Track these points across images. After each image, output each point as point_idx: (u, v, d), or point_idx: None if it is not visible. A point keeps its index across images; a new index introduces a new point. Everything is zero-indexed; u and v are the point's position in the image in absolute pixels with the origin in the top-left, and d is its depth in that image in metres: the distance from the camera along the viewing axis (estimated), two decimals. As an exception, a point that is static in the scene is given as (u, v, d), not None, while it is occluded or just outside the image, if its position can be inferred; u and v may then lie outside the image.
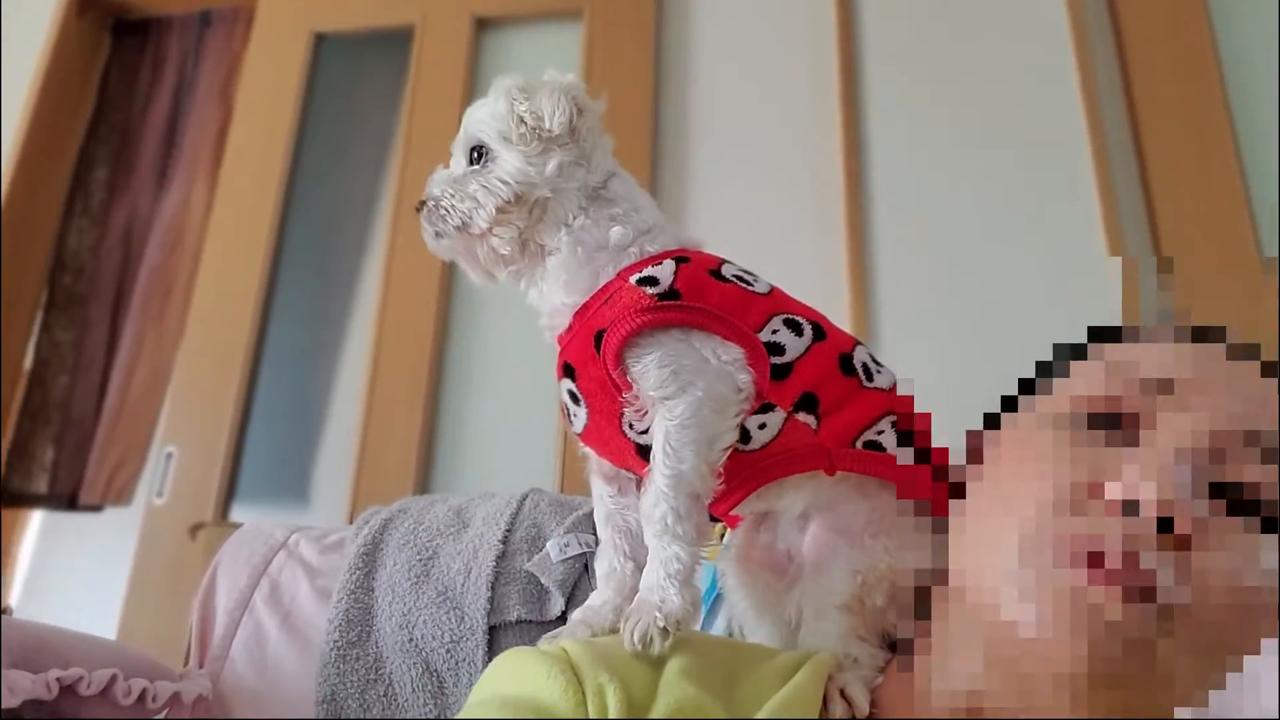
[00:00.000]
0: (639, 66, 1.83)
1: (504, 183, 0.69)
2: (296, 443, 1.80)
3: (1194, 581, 0.46)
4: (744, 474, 0.65)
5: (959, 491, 0.55)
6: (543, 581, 1.14)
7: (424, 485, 1.67)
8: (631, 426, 0.64)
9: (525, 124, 0.70)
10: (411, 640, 1.11)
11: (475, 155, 0.72)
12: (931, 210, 1.66)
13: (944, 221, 1.64)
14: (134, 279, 2.14)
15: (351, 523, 1.57)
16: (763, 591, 0.70)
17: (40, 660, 0.92)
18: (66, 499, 1.92)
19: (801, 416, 0.64)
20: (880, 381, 0.66)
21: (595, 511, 0.72)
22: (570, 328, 0.67)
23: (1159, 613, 0.45)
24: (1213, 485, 0.48)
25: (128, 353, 2.04)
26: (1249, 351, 0.54)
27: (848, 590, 0.61)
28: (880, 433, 0.64)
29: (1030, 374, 0.57)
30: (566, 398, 0.69)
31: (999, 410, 0.57)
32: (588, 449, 0.71)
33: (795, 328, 0.65)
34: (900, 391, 0.66)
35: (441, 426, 1.72)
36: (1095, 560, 0.46)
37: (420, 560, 1.18)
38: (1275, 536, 0.48)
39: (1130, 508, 0.47)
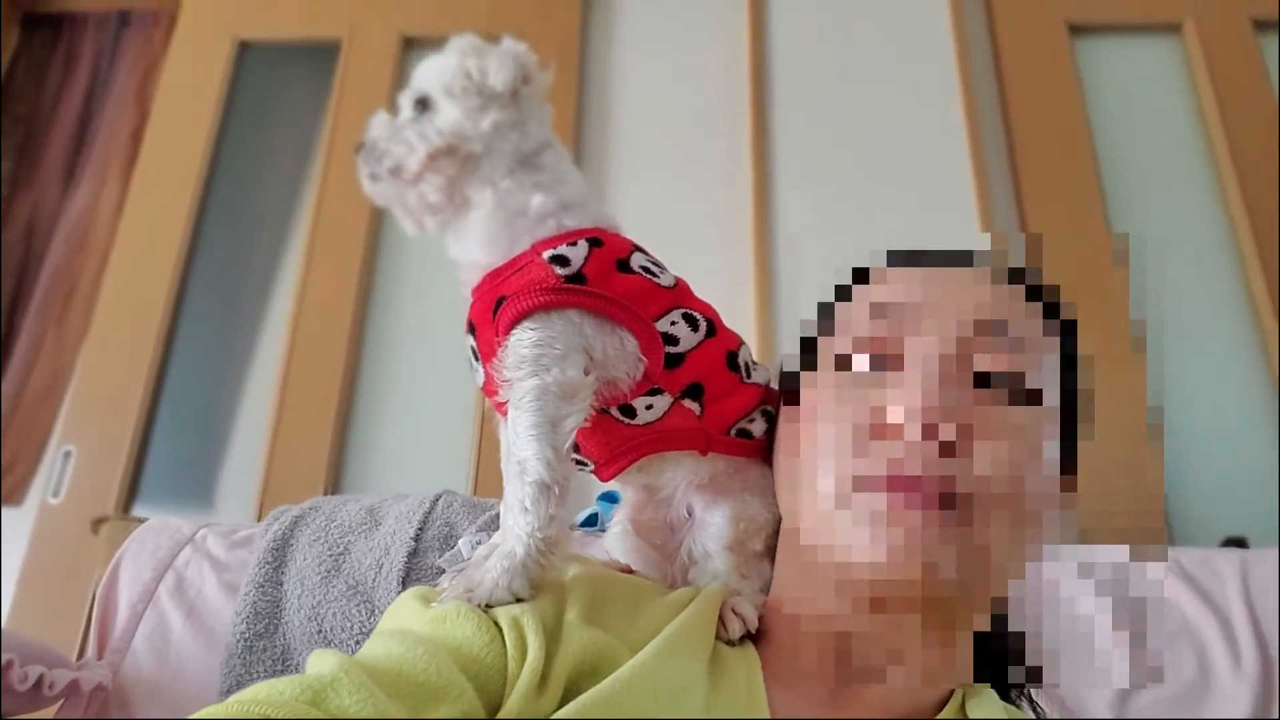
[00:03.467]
0: (561, 81, 1.91)
1: (439, 132, 0.72)
2: (203, 443, 1.77)
3: (978, 471, 0.53)
4: (627, 444, 0.69)
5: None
6: (453, 576, 1.18)
7: (334, 488, 1.67)
8: (500, 392, 0.66)
9: (470, 79, 0.73)
10: (320, 632, 1.12)
11: (419, 105, 0.74)
12: (832, 210, 1.79)
13: (842, 219, 1.76)
14: (35, 276, 2.07)
15: (260, 521, 1.57)
16: (647, 554, 0.74)
17: (-68, 644, 0.90)
18: (-48, 497, 1.84)
19: (687, 403, 0.69)
20: (757, 377, 0.72)
21: (503, 461, 0.71)
22: (479, 287, 0.69)
23: (959, 510, 0.52)
24: (977, 376, 0.55)
25: (24, 353, 1.97)
26: (983, 259, 0.62)
27: (730, 534, 0.68)
28: (752, 420, 0.70)
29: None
30: (470, 354, 0.71)
31: (799, 352, 0.64)
32: (488, 400, 0.72)
33: (692, 322, 0.69)
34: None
35: (354, 430, 1.73)
36: (893, 484, 0.52)
37: (331, 555, 1.19)
38: (1039, 407, 0.55)
39: (905, 430, 0.53)
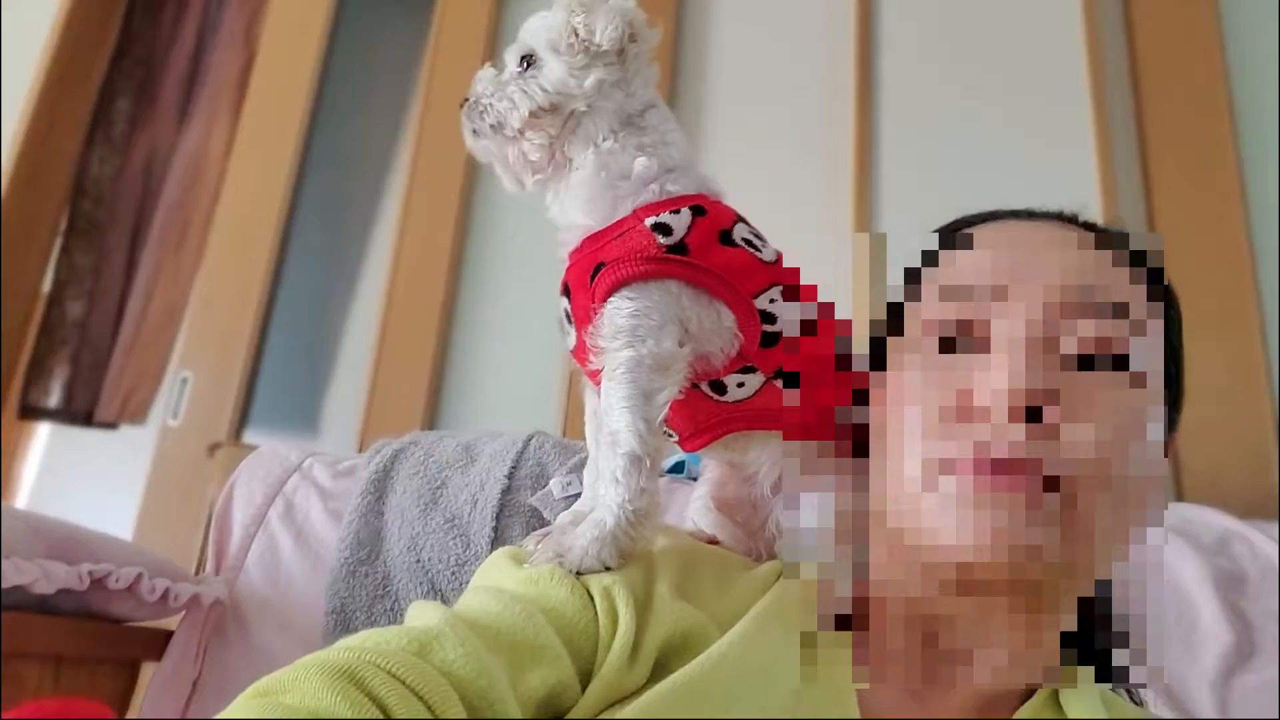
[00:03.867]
0: (660, 23, 1.87)
1: (543, 89, 0.70)
2: (309, 374, 1.85)
3: (1073, 453, 0.49)
4: (714, 419, 0.68)
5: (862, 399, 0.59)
6: (545, 515, 1.21)
7: (431, 421, 1.72)
8: (591, 359, 0.65)
9: (576, 36, 0.70)
10: (419, 561, 1.17)
11: (524, 61, 0.72)
12: (938, 194, 1.71)
13: (948, 190, 1.69)
14: (153, 211, 2.17)
15: (361, 452, 1.64)
16: (731, 530, 0.73)
17: (72, 554, 0.98)
18: (82, 415, 1.97)
19: (779, 383, 0.67)
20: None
21: (587, 426, 0.73)
22: (578, 250, 0.68)
23: (1062, 493, 0.49)
24: (1070, 356, 0.51)
25: (145, 280, 2.08)
26: (1068, 217, 0.58)
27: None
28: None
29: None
30: (562, 315, 0.70)
31: (886, 323, 0.60)
32: (577, 365, 0.71)
33: (793, 299, 0.67)
34: None
35: (451, 366, 1.77)
36: (979, 467, 0.49)
37: (429, 489, 1.24)
38: (1140, 385, 0.51)
39: (992, 412, 0.50)
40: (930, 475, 0.51)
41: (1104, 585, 0.59)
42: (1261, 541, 1.21)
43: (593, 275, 0.64)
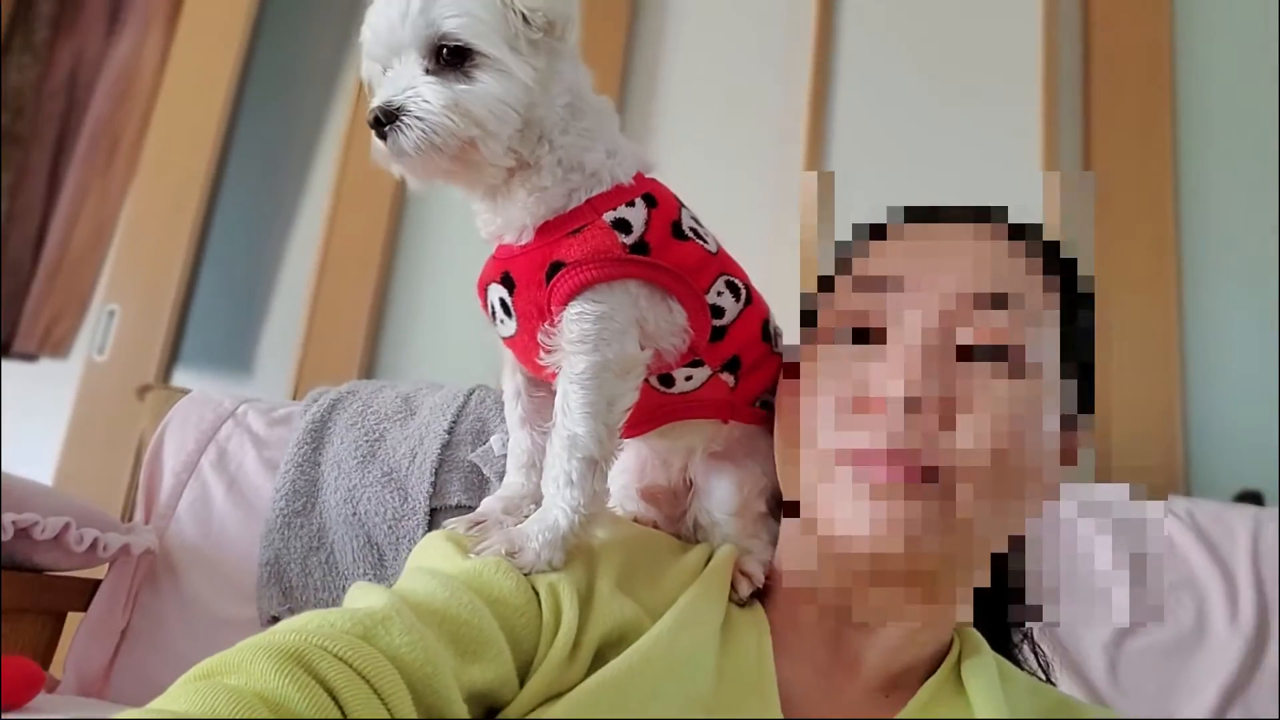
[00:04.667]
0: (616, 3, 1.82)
1: (512, 109, 0.60)
2: (243, 312, 1.80)
3: (958, 445, 0.53)
4: (656, 410, 0.68)
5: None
6: (484, 471, 1.22)
7: (369, 368, 1.70)
8: (540, 356, 0.63)
9: (531, 28, 0.60)
10: (355, 514, 1.17)
11: (447, 54, 0.60)
12: (887, 144, 1.72)
13: (898, 164, 1.70)
14: (78, 126, 2.05)
15: (297, 398, 1.62)
16: (657, 518, 0.74)
17: (-6, 502, 0.95)
18: (-1, 345, 1.90)
19: (724, 375, 0.68)
20: (782, 346, 0.71)
21: (507, 408, 0.70)
22: (528, 244, 0.63)
23: (941, 484, 0.53)
24: (961, 349, 0.55)
25: (69, 203, 1.98)
26: (979, 214, 0.60)
27: (736, 500, 0.68)
28: (773, 393, 0.70)
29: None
30: (496, 303, 0.65)
31: (800, 324, 0.62)
32: (508, 350, 0.69)
33: (734, 291, 0.67)
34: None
35: (390, 310, 1.74)
36: (873, 458, 0.53)
37: (367, 441, 1.23)
38: (1033, 378, 0.55)
39: (892, 404, 0.53)
40: (827, 466, 0.55)
41: (1014, 555, 0.63)
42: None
43: (549, 274, 0.62)
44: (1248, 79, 1.71)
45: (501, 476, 1.19)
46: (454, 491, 1.20)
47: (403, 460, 1.22)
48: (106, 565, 1.10)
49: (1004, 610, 0.73)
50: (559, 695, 0.53)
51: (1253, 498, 1.50)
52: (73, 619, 1.11)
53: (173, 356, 1.72)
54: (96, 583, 1.10)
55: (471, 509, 1.20)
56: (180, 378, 1.73)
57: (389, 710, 0.44)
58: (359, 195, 1.79)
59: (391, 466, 1.21)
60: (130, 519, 1.22)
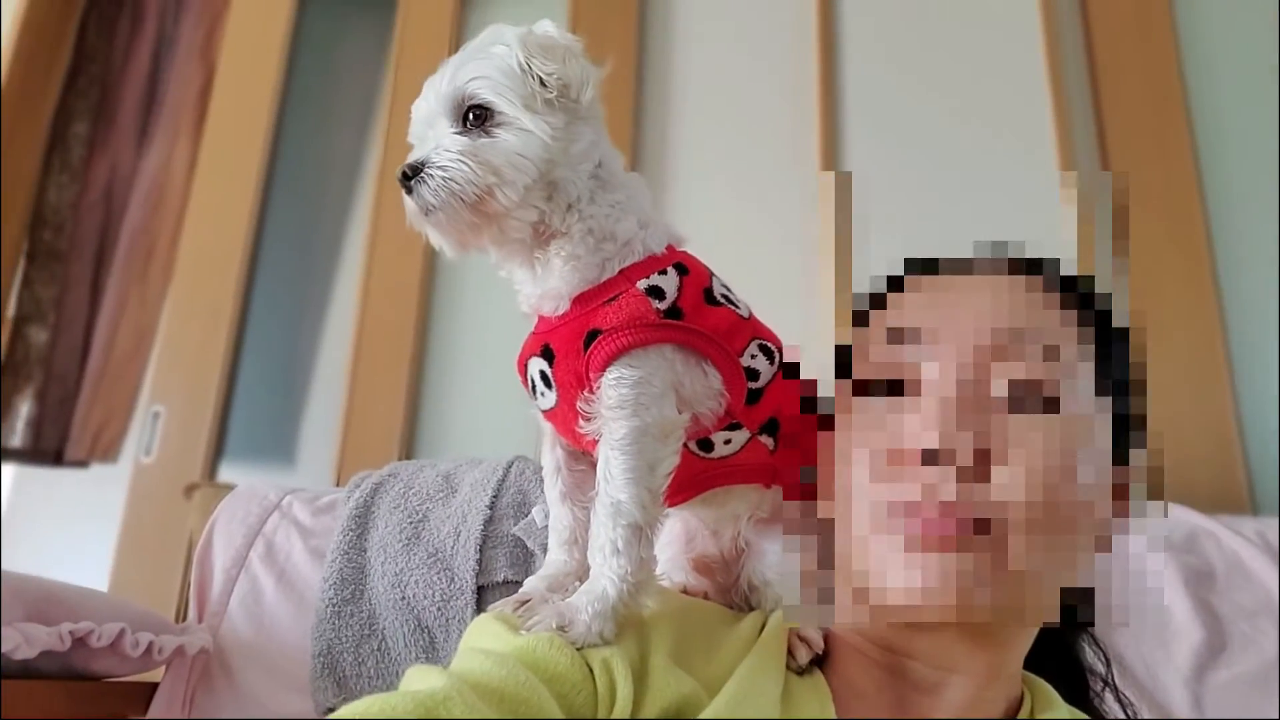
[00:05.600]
0: (624, 35, 1.87)
1: (527, 159, 0.63)
2: (283, 404, 1.83)
3: (1001, 496, 0.52)
4: (697, 476, 0.68)
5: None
6: (528, 545, 1.21)
7: (409, 448, 1.71)
8: (580, 425, 0.64)
9: (548, 89, 0.64)
10: (404, 599, 1.17)
11: (472, 116, 0.64)
12: (903, 183, 1.73)
13: (916, 204, 1.70)
14: (116, 237, 2.13)
15: (339, 484, 1.63)
16: (709, 588, 0.74)
17: (51, 613, 0.96)
18: (52, 455, 1.94)
19: (763, 438, 0.68)
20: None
21: (547, 484, 0.72)
22: (565, 315, 0.65)
23: (989, 535, 0.51)
24: (993, 396, 0.54)
25: (111, 311, 2.04)
26: (998, 253, 0.59)
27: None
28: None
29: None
30: (536, 377, 0.67)
31: (834, 375, 0.62)
32: (548, 424, 0.70)
33: (768, 354, 0.68)
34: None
35: (426, 390, 1.76)
36: (914, 513, 0.52)
37: (411, 523, 1.24)
38: (1069, 414, 0.53)
39: (927, 456, 0.53)
40: (875, 522, 0.54)
41: (1085, 593, 0.61)
42: (1228, 537, 1.25)
43: (586, 341, 0.63)
44: (1260, 79, 1.70)
45: (545, 549, 1.19)
46: (500, 568, 1.19)
47: (447, 540, 1.22)
48: (163, 668, 1.10)
49: (1077, 659, 0.71)
50: None
51: (1326, 512, 1.44)
52: (132, 725, 1.11)
53: (218, 452, 1.75)
54: (154, 686, 1.10)
55: (518, 584, 1.20)
56: (226, 473, 1.76)
57: None
58: (389, 279, 1.83)
59: (436, 546, 1.21)
60: (184, 619, 1.22)
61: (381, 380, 1.74)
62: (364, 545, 1.23)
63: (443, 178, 0.62)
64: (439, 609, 1.16)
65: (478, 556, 1.19)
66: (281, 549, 1.24)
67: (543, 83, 0.64)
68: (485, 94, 0.64)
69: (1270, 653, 1.15)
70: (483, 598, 1.17)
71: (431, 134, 0.65)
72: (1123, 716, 0.72)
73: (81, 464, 1.97)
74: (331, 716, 0.46)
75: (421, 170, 0.63)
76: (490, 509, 1.24)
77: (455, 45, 2.05)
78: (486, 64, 0.65)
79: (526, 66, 0.64)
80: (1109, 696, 0.72)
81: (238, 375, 1.82)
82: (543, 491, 1.25)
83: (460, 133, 0.64)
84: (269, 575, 1.22)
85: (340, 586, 1.18)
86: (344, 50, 2.16)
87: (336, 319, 1.90)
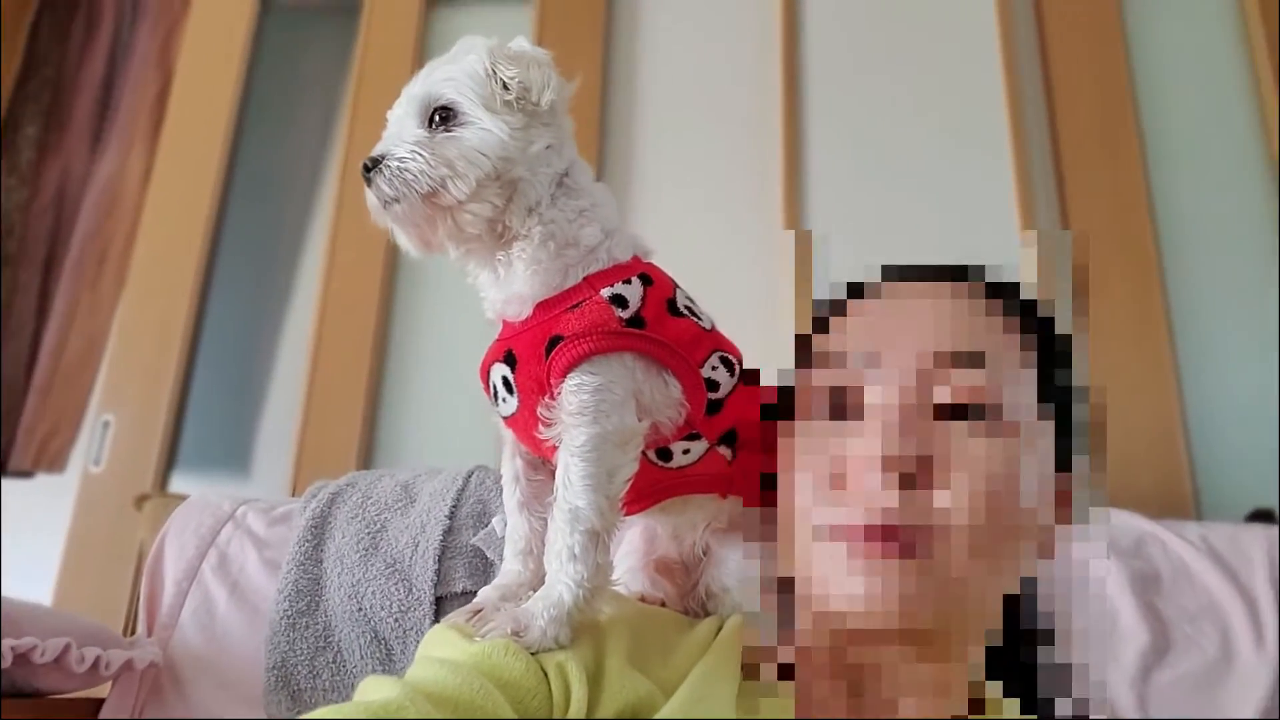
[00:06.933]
0: (589, 51, 1.88)
1: (483, 154, 0.65)
2: (238, 413, 1.80)
3: (941, 506, 0.53)
4: (655, 486, 0.69)
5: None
6: (488, 555, 1.20)
7: (368, 458, 1.69)
8: (540, 430, 0.65)
9: (509, 92, 0.66)
10: (360, 610, 1.15)
11: (438, 116, 0.66)
12: (864, 199, 1.75)
13: (876, 216, 1.73)
14: (67, 243, 2.08)
15: (295, 494, 1.61)
16: (666, 591, 0.75)
17: (-7, 628, 0.94)
18: (-5, 464, 1.89)
19: (721, 449, 0.69)
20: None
21: (505, 493, 0.72)
22: (528, 320, 0.66)
23: (928, 548, 0.52)
24: (937, 409, 0.55)
25: (60, 318, 2.00)
26: (935, 273, 0.61)
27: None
28: None
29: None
30: (499, 382, 0.68)
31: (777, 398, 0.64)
32: (509, 431, 0.71)
33: (729, 366, 0.69)
34: None
35: (385, 399, 1.75)
36: (856, 533, 0.53)
37: (369, 533, 1.22)
38: (1011, 429, 0.55)
39: (865, 479, 0.54)
40: (818, 540, 0.55)
41: (1030, 599, 0.62)
42: (1173, 541, 1.28)
43: (548, 348, 0.63)
44: (1209, 94, 1.76)
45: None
46: (459, 578, 1.18)
47: (405, 550, 1.20)
48: (110, 683, 1.08)
49: (1023, 663, 0.72)
50: None
51: (1265, 516, 1.49)
52: (78, 741, 1.08)
53: (170, 462, 1.72)
54: (100, 702, 1.07)
55: (475, 594, 1.19)
56: (178, 483, 1.72)
57: None
58: (348, 287, 1.81)
59: (395, 557, 1.20)
60: (133, 632, 1.20)
61: (339, 389, 1.73)
62: (320, 556, 1.21)
63: (398, 168, 0.64)
64: (396, 620, 1.15)
65: (436, 567, 1.18)
66: (235, 560, 1.22)
67: (505, 85, 0.66)
68: (450, 94, 0.66)
69: (1211, 654, 1.18)
70: (441, 608, 1.17)
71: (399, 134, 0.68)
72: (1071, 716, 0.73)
73: (27, 474, 1.92)
74: None
75: (381, 162, 0.65)
76: (449, 519, 1.23)
77: (418, 55, 2.06)
78: (455, 69, 0.67)
79: (492, 71, 0.67)
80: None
81: (191, 383, 1.79)
82: (503, 501, 1.26)
83: (424, 131, 0.66)
84: (222, 587, 1.20)
85: (295, 598, 1.16)
86: (305, 59, 2.14)
87: (294, 327, 1.87)
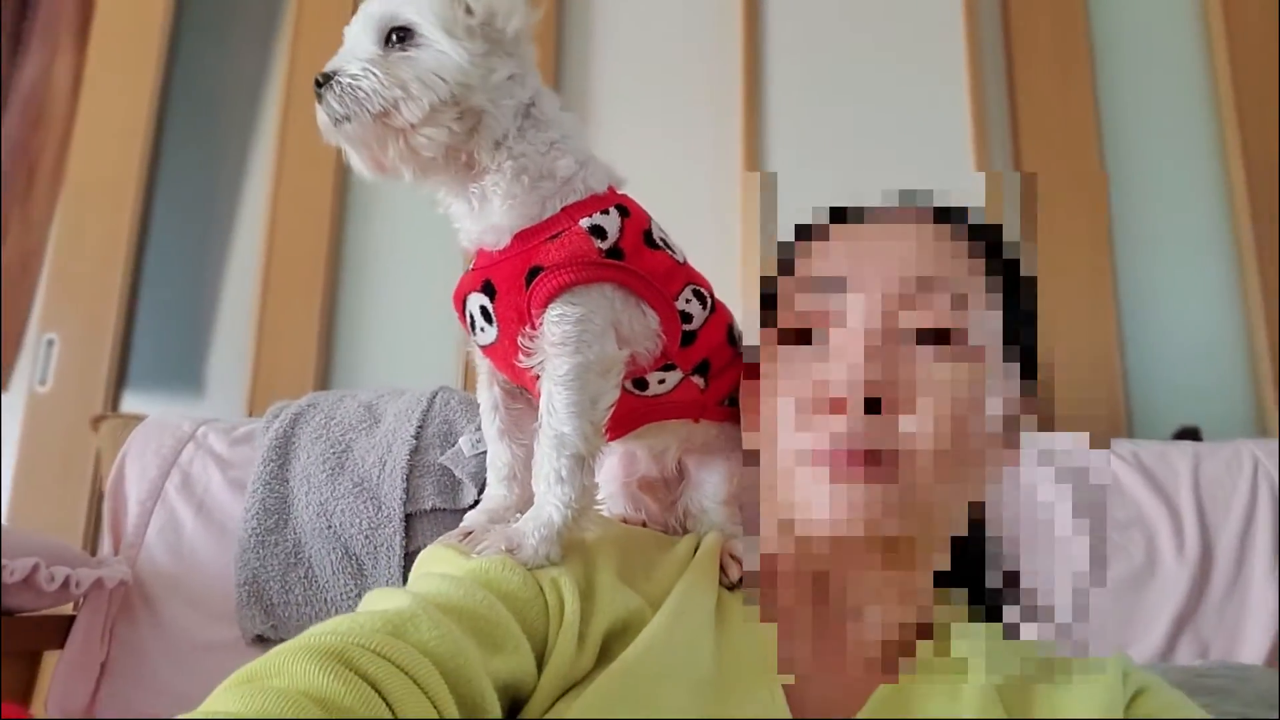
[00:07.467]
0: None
1: (440, 78, 0.63)
2: (188, 330, 1.74)
3: (909, 430, 0.56)
4: (632, 413, 0.70)
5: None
6: (456, 473, 1.22)
7: (324, 379, 1.67)
8: (520, 359, 0.65)
9: (473, 17, 0.64)
10: (330, 527, 1.16)
11: (395, 36, 0.64)
12: (822, 134, 1.76)
13: (834, 154, 1.74)
14: (-9, 153, 1.97)
15: (252, 414, 1.59)
16: (649, 508, 0.77)
17: (-43, 548, 0.93)
18: (-66, 385, 1.81)
19: (695, 378, 0.71)
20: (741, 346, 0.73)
21: (484, 421, 0.73)
22: (507, 250, 0.66)
23: (896, 469, 0.56)
24: (904, 335, 0.58)
25: (-10, 233, 1.90)
26: (907, 201, 0.63)
27: (725, 490, 0.72)
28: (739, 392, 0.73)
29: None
30: (476, 312, 0.67)
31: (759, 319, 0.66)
32: (486, 360, 0.71)
33: (701, 299, 0.70)
34: None
35: (341, 317, 1.71)
36: (835, 454, 0.56)
37: (334, 453, 1.23)
38: (975, 360, 0.58)
39: (842, 395, 0.57)
40: (795, 462, 0.58)
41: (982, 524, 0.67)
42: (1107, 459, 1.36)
43: (528, 278, 0.64)
44: (1162, 37, 1.79)
45: (473, 477, 1.21)
46: (427, 496, 1.20)
47: (372, 469, 1.21)
48: (79, 600, 1.08)
49: (980, 569, 0.77)
50: (576, 685, 0.54)
51: (1191, 434, 1.58)
52: (49, 658, 1.08)
53: (120, 381, 1.68)
54: (71, 619, 1.08)
55: (446, 511, 1.21)
56: (130, 403, 1.69)
57: (431, 701, 0.45)
58: (299, 199, 1.76)
59: (362, 476, 1.21)
60: (94, 552, 1.19)
61: (293, 306, 1.69)
62: (286, 476, 1.21)
63: (350, 85, 0.63)
64: (366, 537, 1.16)
65: (404, 485, 1.20)
66: (199, 480, 1.22)
67: (469, 10, 0.64)
68: (408, 14, 0.64)
69: (1138, 561, 1.27)
70: (411, 525, 1.18)
71: (353, 50, 0.66)
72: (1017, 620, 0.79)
73: (-32, 395, 1.86)
74: (302, 635, 0.47)
75: (333, 78, 0.63)
76: (416, 439, 1.24)
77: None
78: None
79: None
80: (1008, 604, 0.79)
81: (138, 301, 1.74)
82: (469, 420, 1.27)
83: (379, 49, 0.64)
84: (187, 507, 1.19)
85: (263, 516, 1.17)
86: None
87: (243, 240, 1.81)
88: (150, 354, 1.72)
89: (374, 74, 0.62)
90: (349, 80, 0.63)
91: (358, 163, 0.67)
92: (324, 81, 0.64)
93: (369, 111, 0.62)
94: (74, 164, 1.79)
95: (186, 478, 1.22)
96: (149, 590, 1.12)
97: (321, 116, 0.65)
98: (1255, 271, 1.64)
